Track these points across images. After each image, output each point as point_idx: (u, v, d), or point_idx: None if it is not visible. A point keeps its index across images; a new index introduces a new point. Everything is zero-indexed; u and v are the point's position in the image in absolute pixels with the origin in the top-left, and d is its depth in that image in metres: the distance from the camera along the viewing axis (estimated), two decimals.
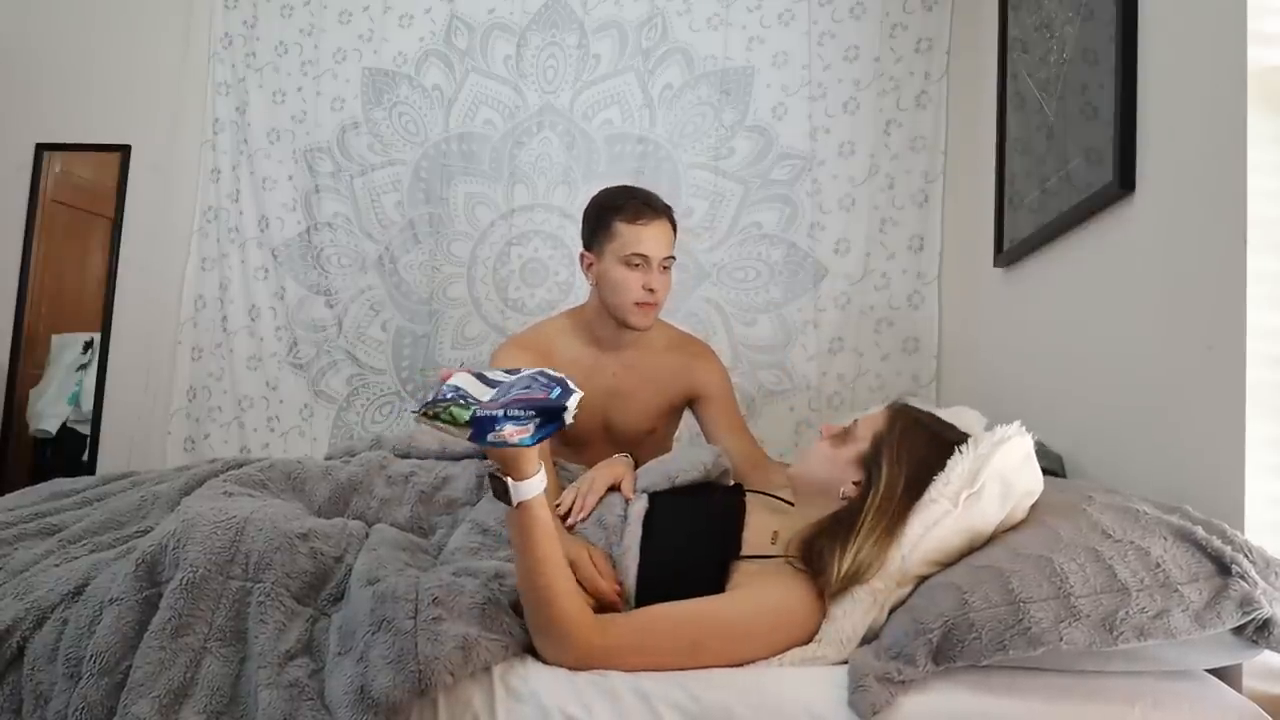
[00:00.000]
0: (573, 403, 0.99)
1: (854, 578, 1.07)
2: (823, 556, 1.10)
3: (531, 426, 0.97)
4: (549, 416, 0.98)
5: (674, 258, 1.81)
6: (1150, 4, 1.35)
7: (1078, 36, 1.59)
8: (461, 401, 0.99)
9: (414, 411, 1.01)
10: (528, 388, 1.01)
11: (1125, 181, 1.37)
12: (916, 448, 1.18)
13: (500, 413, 0.97)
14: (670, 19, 2.65)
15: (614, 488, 1.42)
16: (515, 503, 1.02)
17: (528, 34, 2.71)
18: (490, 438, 0.96)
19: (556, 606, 1.05)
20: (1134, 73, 1.37)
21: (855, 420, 1.27)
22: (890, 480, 1.14)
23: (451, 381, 1.03)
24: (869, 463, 1.19)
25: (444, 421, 0.98)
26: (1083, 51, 1.56)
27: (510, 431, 0.96)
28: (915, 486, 1.13)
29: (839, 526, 1.13)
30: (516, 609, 1.13)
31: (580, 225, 1.86)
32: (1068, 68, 1.64)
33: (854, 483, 1.19)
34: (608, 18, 2.68)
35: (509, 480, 1.02)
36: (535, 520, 1.04)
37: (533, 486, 1.03)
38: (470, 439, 0.98)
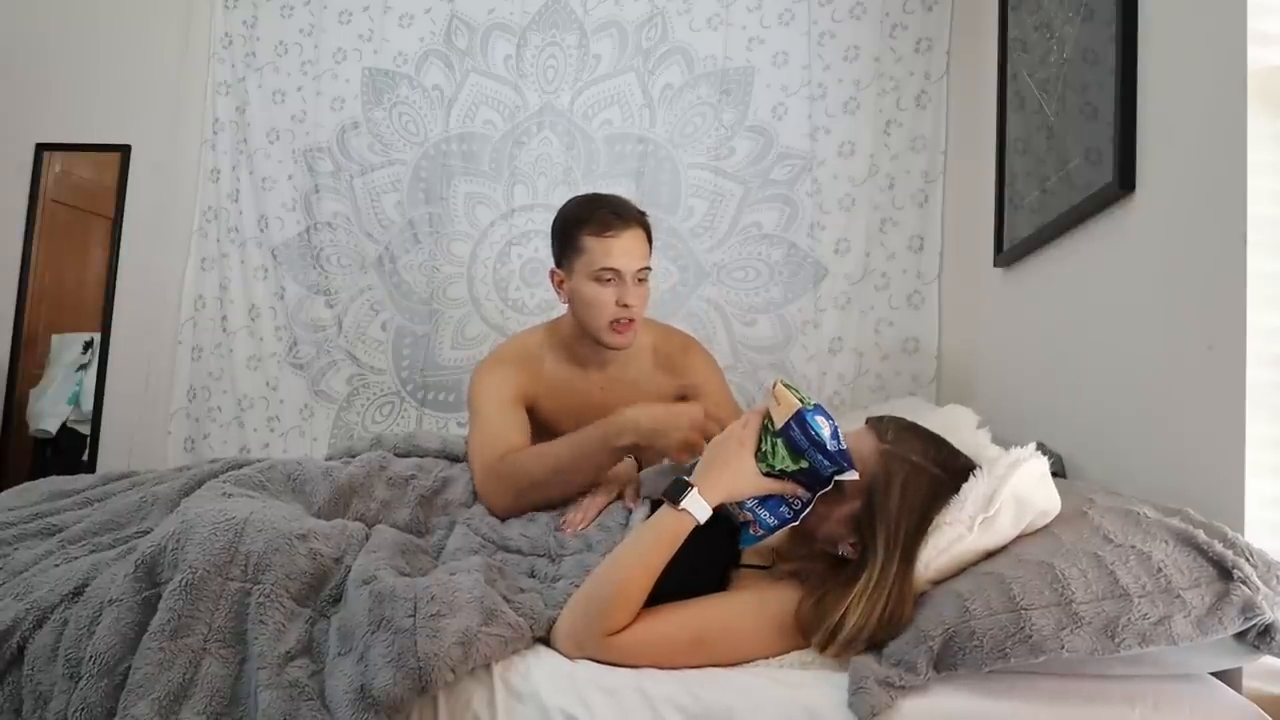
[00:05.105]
0: (846, 476, 1.10)
1: (853, 642, 1.03)
2: (820, 605, 1.08)
3: (832, 443, 1.10)
4: (828, 476, 1.10)
5: (649, 268, 1.68)
6: (1150, 4, 1.34)
7: (1078, 36, 1.59)
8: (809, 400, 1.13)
9: (783, 381, 1.17)
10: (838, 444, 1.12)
11: (1125, 181, 1.37)
12: (917, 498, 1.09)
13: (832, 424, 1.11)
14: (670, 19, 2.65)
15: (619, 495, 1.50)
16: (682, 507, 1.09)
17: (528, 34, 2.71)
18: (815, 419, 1.10)
19: (624, 597, 1.09)
20: (1134, 73, 1.37)
21: None
22: (888, 552, 1.06)
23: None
24: (863, 528, 1.10)
25: (792, 389, 1.13)
26: (1083, 51, 1.56)
27: (826, 427, 1.09)
28: (918, 537, 1.08)
29: (836, 579, 1.09)
30: (515, 605, 1.13)
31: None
32: (1068, 68, 1.64)
33: (850, 544, 1.13)
34: (608, 18, 2.68)
35: (696, 490, 1.09)
36: (680, 530, 1.11)
37: (704, 509, 1.10)
38: (804, 409, 1.10)
